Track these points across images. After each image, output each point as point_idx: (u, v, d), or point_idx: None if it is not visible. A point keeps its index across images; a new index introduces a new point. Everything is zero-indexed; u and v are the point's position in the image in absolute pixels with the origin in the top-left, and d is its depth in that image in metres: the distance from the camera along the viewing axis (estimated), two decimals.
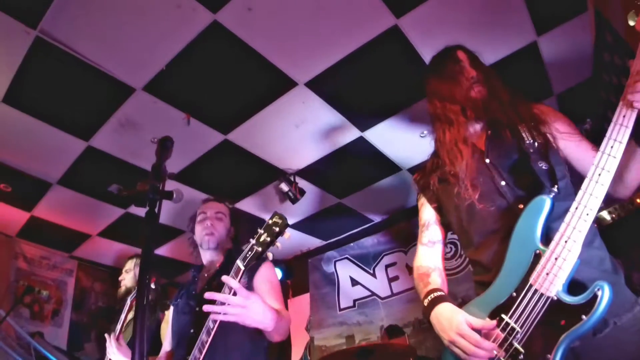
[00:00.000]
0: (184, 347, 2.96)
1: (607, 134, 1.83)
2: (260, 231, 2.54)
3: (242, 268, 2.53)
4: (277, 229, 2.50)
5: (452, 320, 2.03)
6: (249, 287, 3.08)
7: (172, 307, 3.43)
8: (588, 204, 1.80)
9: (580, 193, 1.83)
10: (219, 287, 3.06)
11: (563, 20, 4.11)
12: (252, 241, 2.55)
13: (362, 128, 5.31)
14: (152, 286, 4.71)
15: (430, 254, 2.50)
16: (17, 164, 5.32)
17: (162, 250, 7.56)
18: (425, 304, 2.24)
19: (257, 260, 2.58)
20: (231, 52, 4.09)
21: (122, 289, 5.20)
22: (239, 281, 2.50)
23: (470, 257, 2.38)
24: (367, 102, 4.94)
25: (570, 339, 1.74)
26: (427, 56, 4.32)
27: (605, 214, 4.68)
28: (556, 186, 2.04)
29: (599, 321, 1.70)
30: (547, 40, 4.29)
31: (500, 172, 2.22)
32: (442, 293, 2.24)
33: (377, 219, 7.48)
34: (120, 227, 6.82)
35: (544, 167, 2.11)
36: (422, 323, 6.32)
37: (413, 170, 6.08)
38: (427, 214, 2.58)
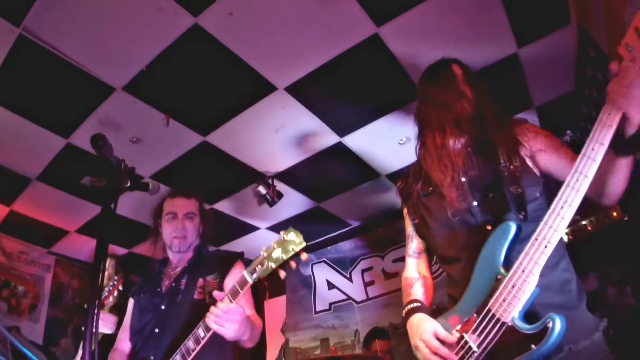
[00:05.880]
0: (149, 349, 2.90)
1: (575, 166, 1.84)
2: (274, 245, 2.41)
3: (250, 282, 2.44)
4: (293, 248, 2.37)
5: (419, 327, 2.16)
6: (220, 287, 3.03)
7: (131, 300, 3.31)
8: (547, 236, 1.84)
9: (541, 225, 1.87)
10: (188, 285, 3.04)
11: (545, 33, 4.17)
12: (263, 254, 2.42)
13: (341, 133, 5.36)
14: (120, 288, 4.68)
15: (415, 264, 2.61)
16: None
17: (139, 249, 7.58)
18: (403, 314, 2.38)
19: (229, 263, 2.52)
20: (211, 55, 4.12)
21: None
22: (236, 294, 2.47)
23: (444, 270, 2.48)
24: (346, 108, 4.98)
25: None
26: (407, 64, 4.39)
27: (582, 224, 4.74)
28: (523, 212, 2.10)
29: (548, 351, 1.77)
30: (528, 52, 4.35)
31: (473, 192, 2.28)
32: (419, 304, 2.36)
33: (354, 223, 7.53)
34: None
35: (515, 192, 2.15)
36: (396, 328, 6.36)
37: (391, 176, 6.16)
38: (410, 225, 2.66)
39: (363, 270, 7.26)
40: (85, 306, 1.78)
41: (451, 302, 2.28)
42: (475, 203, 2.25)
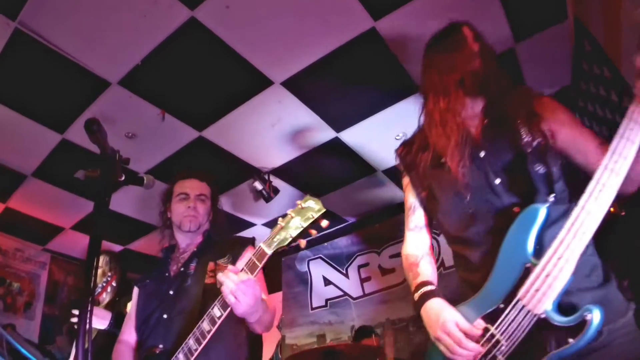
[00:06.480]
0: (158, 336, 2.76)
1: (612, 148, 1.70)
2: (291, 214, 2.25)
3: (269, 253, 2.27)
4: (311, 214, 2.20)
5: (439, 317, 1.98)
6: None
7: (135, 289, 3.16)
8: (585, 222, 1.70)
9: (577, 209, 1.72)
10: (197, 269, 2.91)
11: (542, 28, 4.16)
12: (280, 224, 2.27)
13: (338, 129, 5.35)
14: (113, 284, 4.62)
15: (418, 240, 2.39)
16: None
17: (135, 246, 7.56)
18: (416, 299, 2.17)
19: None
20: (208, 49, 4.11)
21: None
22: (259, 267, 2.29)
23: (457, 251, 2.28)
24: (343, 103, 4.96)
25: (554, 359, 1.71)
26: (404, 59, 4.37)
27: None
28: (553, 194, 1.97)
29: (586, 344, 1.64)
30: (525, 47, 4.34)
31: (495, 169, 2.09)
32: (433, 287, 2.16)
33: (351, 219, 7.51)
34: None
35: (540, 171, 1.99)
36: (394, 323, 6.34)
37: (388, 171, 6.13)
38: (413, 196, 2.44)
39: (359, 267, 7.23)
40: (78, 317, 1.71)
41: (469, 287, 2.09)
42: (497, 181, 2.07)
